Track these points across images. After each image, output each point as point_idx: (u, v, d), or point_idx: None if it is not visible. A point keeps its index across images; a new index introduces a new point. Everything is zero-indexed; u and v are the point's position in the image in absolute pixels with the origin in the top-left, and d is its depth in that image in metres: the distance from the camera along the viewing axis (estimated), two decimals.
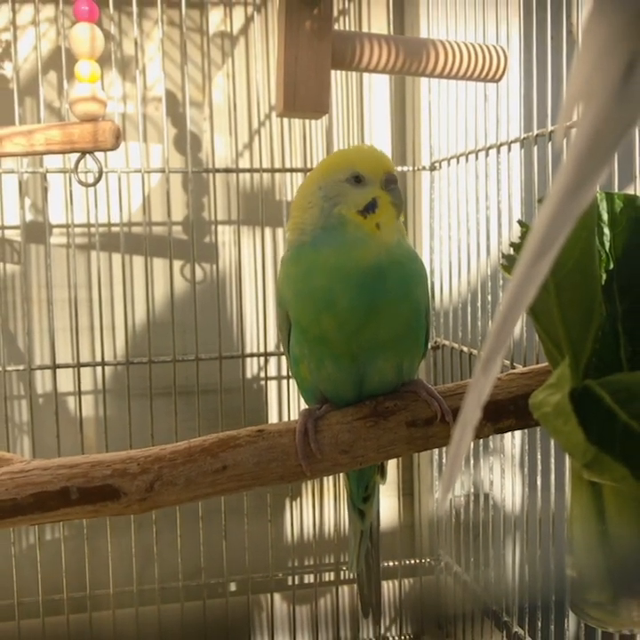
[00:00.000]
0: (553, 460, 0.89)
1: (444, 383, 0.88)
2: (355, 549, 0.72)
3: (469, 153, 1.06)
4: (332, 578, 1.24)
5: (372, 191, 0.58)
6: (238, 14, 1.20)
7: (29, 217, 1.15)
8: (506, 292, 0.30)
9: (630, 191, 0.68)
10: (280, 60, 0.87)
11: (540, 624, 0.94)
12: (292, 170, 1.21)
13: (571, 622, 0.89)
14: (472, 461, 1.09)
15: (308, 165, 1.22)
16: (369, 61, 0.89)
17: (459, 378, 1.11)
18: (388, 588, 1.24)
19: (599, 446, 0.42)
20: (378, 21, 1.22)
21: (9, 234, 1.15)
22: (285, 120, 1.20)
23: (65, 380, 1.14)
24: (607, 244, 0.53)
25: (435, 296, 1.16)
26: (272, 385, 1.24)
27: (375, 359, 0.59)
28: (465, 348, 1.09)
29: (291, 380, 1.21)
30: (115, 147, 0.98)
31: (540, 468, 0.91)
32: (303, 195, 0.60)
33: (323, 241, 0.57)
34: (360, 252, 0.56)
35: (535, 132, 0.91)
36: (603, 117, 0.28)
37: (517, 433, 1.02)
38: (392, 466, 1.25)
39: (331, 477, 1.24)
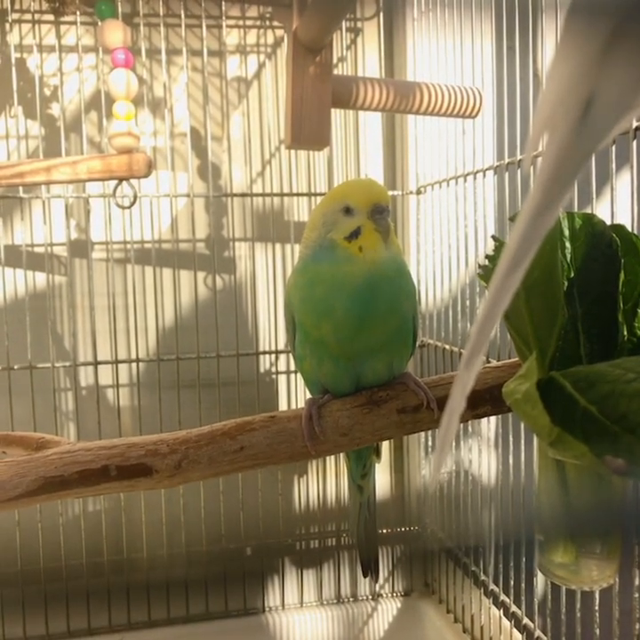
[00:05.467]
0: (523, 441, 0.89)
1: (430, 376, 0.88)
2: (355, 519, 0.71)
3: (450, 179, 1.06)
4: (334, 543, 1.24)
5: (358, 221, 0.57)
6: (252, 61, 1.21)
7: (74, 235, 1.15)
8: (485, 299, 0.30)
9: (588, 211, 0.68)
10: (288, 100, 0.87)
11: (512, 582, 0.94)
12: (298, 194, 1.21)
13: (539, 581, 0.89)
14: (454, 443, 1.09)
15: (313, 190, 1.22)
16: (364, 101, 0.89)
17: (442, 371, 1.11)
18: (382, 552, 1.24)
19: (562, 428, 0.42)
20: (371, 66, 1.22)
21: (57, 250, 1.15)
22: (293, 151, 1.20)
23: (105, 375, 1.14)
24: (568, 256, 0.53)
25: (421, 301, 1.16)
26: (282, 378, 1.24)
27: (368, 360, 0.59)
28: (447, 346, 1.09)
29: (298, 375, 1.21)
30: (147, 175, 0.98)
31: (511, 447, 0.91)
32: (312, 218, 0.60)
33: (319, 257, 0.58)
34: (346, 268, 0.56)
35: (506, 160, 0.91)
36: (564, 149, 0.28)
37: (492, 418, 1.02)
38: (384, 447, 1.25)
39: (332, 457, 1.24)
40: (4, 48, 1.11)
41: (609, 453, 0.39)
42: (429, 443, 1.19)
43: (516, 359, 0.58)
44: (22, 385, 1.09)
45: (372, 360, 0.59)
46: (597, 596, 0.73)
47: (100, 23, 0.98)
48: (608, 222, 0.54)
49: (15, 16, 1.10)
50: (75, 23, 1.09)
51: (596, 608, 0.74)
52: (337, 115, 1.22)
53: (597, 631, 0.74)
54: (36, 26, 1.11)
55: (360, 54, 1.22)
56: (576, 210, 0.71)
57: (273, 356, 1.23)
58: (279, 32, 1.20)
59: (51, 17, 1.11)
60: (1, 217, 1.08)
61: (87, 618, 1.12)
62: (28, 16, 1.11)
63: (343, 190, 0.59)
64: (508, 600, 0.96)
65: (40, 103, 1.09)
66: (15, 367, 1.08)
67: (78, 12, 1.07)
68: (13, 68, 1.06)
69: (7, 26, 1.09)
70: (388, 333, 0.58)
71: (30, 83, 1.11)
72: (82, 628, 1.12)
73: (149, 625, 1.15)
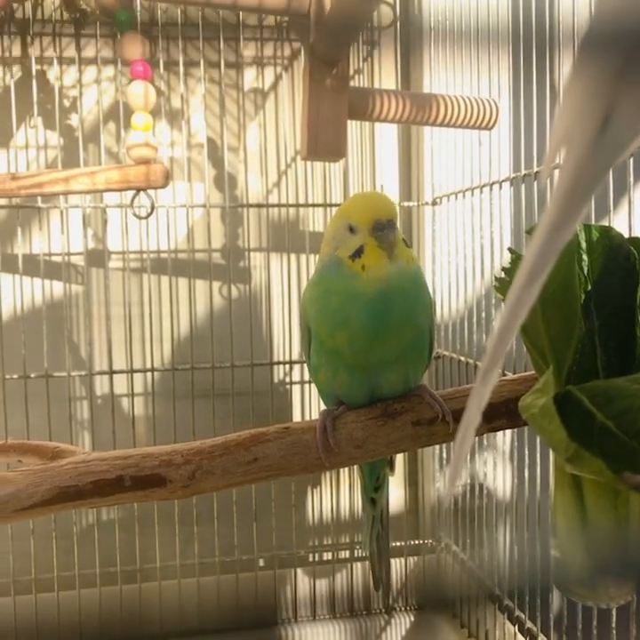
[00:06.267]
0: (539, 455, 0.88)
1: (445, 388, 0.88)
2: (367, 532, 0.71)
3: (466, 190, 1.06)
4: (348, 555, 1.23)
5: (360, 239, 0.56)
6: (269, 73, 1.22)
7: (91, 245, 1.16)
8: (502, 312, 0.30)
9: (605, 223, 0.67)
10: (304, 111, 0.88)
11: (527, 597, 0.93)
12: (313, 205, 1.22)
13: (555, 597, 0.88)
14: (469, 456, 1.09)
15: (328, 201, 1.22)
16: (380, 113, 0.90)
17: (457, 384, 1.11)
18: (396, 565, 1.23)
19: (579, 443, 0.41)
20: (387, 78, 1.23)
21: (74, 259, 1.16)
22: (309, 163, 1.21)
23: (120, 384, 1.15)
24: (585, 269, 0.53)
25: (436, 312, 1.15)
26: (296, 389, 1.24)
27: (384, 371, 0.58)
28: (462, 358, 1.09)
29: (312, 385, 1.20)
30: (164, 185, 0.99)
31: (527, 461, 0.90)
32: (327, 232, 0.60)
33: (330, 273, 0.58)
34: (352, 285, 0.56)
35: (523, 172, 0.91)
36: (582, 163, 0.28)
37: (508, 431, 1.01)
38: (399, 459, 1.25)
39: (346, 469, 1.23)
40: (25, 60, 1.13)
41: (627, 469, 0.39)
42: (444, 455, 1.18)
43: (533, 372, 0.57)
44: (38, 393, 1.09)
45: (387, 372, 0.58)
46: (614, 613, 0.72)
47: (119, 36, 1.00)
48: (626, 235, 0.54)
49: (37, 29, 1.12)
50: (94, 36, 1.10)
51: (613, 625, 0.73)
52: (353, 126, 1.23)
53: None
54: (57, 39, 1.13)
55: (376, 66, 1.23)
56: (593, 222, 0.71)
57: (287, 366, 1.23)
58: (296, 44, 1.21)
59: (71, 30, 1.13)
60: (19, 226, 1.09)
61: (99, 627, 1.12)
62: (48, 29, 1.12)
63: (347, 208, 0.59)
64: (523, 616, 0.95)
65: (59, 114, 1.11)
66: (32, 376, 1.09)
67: (98, 23, 1.09)
68: (34, 80, 1.08)
69: (28, 39, 1.11)
70: (402, 346, 0.58)
71: (50, 94, 1.12)
72: (93, 636, 1.12)
73: (162, 636, 1.15)
